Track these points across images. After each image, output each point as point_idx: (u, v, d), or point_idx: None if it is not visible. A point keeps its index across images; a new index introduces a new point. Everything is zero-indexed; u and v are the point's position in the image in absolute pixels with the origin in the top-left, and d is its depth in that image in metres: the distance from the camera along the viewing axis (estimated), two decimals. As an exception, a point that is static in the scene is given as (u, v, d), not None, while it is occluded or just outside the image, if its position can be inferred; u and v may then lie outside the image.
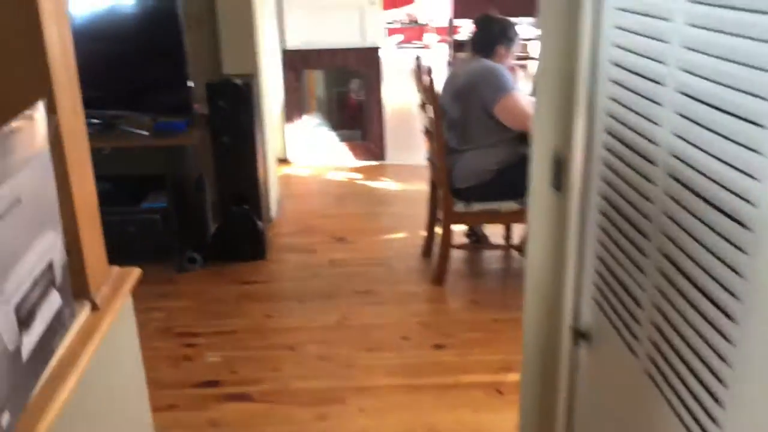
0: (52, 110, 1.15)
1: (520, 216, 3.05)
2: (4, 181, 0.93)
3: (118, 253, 3.29)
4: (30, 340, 1.01)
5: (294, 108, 4.78)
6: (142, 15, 3.05)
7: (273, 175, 3.96)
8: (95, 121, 3.15)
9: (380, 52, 4.74)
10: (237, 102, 3.10)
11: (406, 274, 3.23)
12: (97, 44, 3.12)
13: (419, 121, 5.51)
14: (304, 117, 4.83)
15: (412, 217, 3.83)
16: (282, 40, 4.66)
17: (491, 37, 2.91)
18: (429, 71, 2.80)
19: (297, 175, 4.63)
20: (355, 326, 2.81)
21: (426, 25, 9.61)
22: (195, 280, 3.18)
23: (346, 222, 3.81)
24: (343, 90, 4.88)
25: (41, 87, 1.14)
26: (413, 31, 9.73)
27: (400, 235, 3.65)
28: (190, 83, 2.99)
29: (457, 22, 8.05)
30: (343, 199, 4.18)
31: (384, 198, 4.20)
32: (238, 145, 3.18)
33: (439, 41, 9.61)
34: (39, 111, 1.06)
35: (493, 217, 3.09)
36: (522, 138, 2.94)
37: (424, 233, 3.46)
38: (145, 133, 3.05)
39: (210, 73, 3.42)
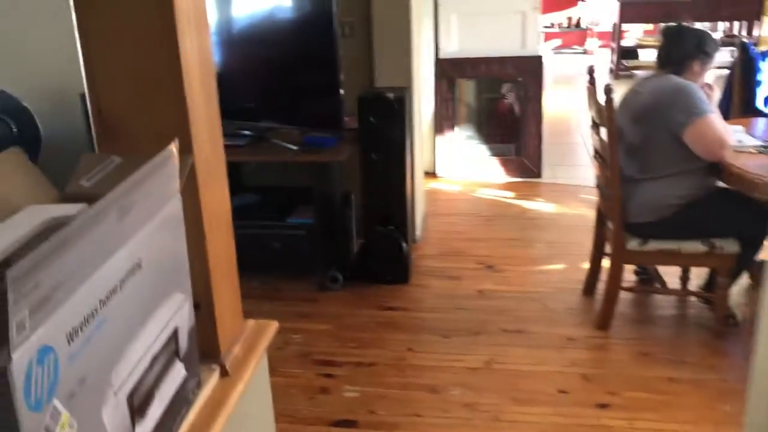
0: (187, 149, 0.99)
1: (706, 259, 2.61)
2: (121, 246, 0.76)
3: (261, 268, 3.22)
4: (145, 428, 0.84)
5: (445, 119, 4.55)
6: (298, 20, 2.96)
7: (420, 192, 3.75)
8: (247, 133, 3.11)
9: (542, 61, 4.39)
10: (388, 117, 2.92)
11: (565, 313, 2.89)
12: (250, 50, 3.08)
13: (579, 134, 5.05)
14: (456, 129, 4.59)
15: (572, 245, 3.46)
16: (436, 47, 4.45)
17: (685, 51, 2.49)
18: (609, 89, 2.44)
19: (444, 190, 4.39)
20: (504, 371, 2.52)
21: (588, 29, 9.01)
22: (336, 301, 3.04)
23: (495, 247, 3.52)
24: (494, 96, 4.57)
25: (176, 121, 0.98)
26: (573, 35, 9.17)
27: (558, 266, 3.30)
28: (342, 95, 2.85)
29: (624, 26, 7.44)
30: (493, 220, 3.88)
31: (539, 221, 3.85)
32: (388, 163, 3.00)
33: (601, 46, 8.98)
34: (171, 153, 0.89)
35: (672, 259, 2.67)
36: (712, 169, 2.50)
37: (585, 266, 3.09)
38: (294, 147, 2.95)
39: (362, 85, 3.27)
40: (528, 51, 4.41)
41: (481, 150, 4.60)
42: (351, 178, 3.19)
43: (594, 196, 4.10)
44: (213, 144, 1.08)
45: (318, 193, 3.01)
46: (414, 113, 3.38)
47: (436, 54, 4.46)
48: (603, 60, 8.32)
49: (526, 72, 4.40)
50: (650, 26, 8.41)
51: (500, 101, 4.54)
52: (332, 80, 2.84)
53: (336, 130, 2.91)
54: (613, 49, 7.60)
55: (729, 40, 6.69)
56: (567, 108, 6.32)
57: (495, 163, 4.55)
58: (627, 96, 2.66)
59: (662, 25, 2.66)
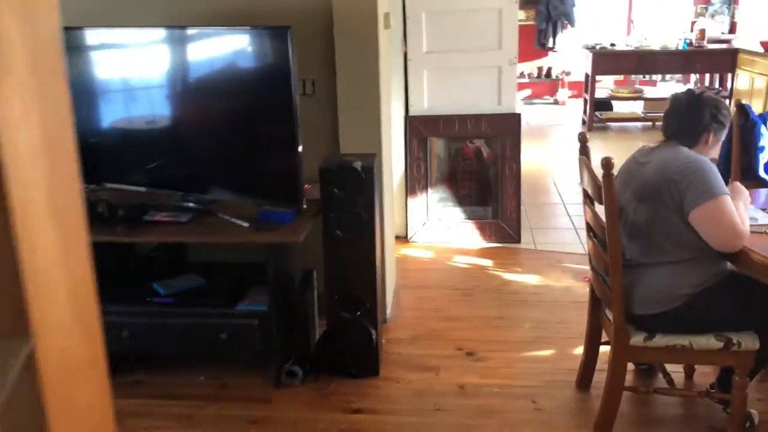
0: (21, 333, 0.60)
1: (721, 357, 2.26)
2: None
3: (206, 360, 2.74)
4: None
5: (416, 180, 4.21)
6: (250, 73, 2.59)
7: (391, 263, 3.37)
8: (191, 205, 2.70)
9: (519, 118, 4.09)
10: (356, 189, 2.55)
11: (559, 413, 2.50)
12: (195, 107, 2.70)
13: (556, 192, 4.72)
14: (428, 190, 4.24)
15: (560, 326, 3.10)
16: (406, 104, 4.14)
17: (702, 123, 2.18)
18: (608, 164, 2.11)
19: (417, 258, 4.02)
20: (494, 495, 2.11)
21: (559, 79, 8.88)
22: (294, 401, 2.61)
23: (476, 328, 3.14)
24: (469, 158, 4.25)
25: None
26: (543, 85, 9.03)
27: (546, 352, 2.92)
28: (301, 163, 2.47)
29: (597, 77, 7.28)
30: (472, 294, 3.50)
31: (522, 296, 3.48)
32: (354, 240, 2.61)
33: (572, 96, 8.85)
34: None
35: (683, 356, 2.32)
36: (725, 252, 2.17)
37: (577, 352, 2.73)
38: (245, 224, 2.55)
39: (325, 151, 2.91)
40: (504, 108, 4.12)
41: (456, 213, 4.25)
42: (312, 253, 2.80)
43: (578, 265, 3.83)
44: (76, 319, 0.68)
45: (273, 273, 2.60)
46: (384, 180, 3.02)
47: (406, 111, 4.14)
48: (575, 111, 8.15)
49: (503, 130, 4.10)
50: (621, 77, 8.31)
51: (465, 147, 4.20)
52: (290, 145, 2.47)
53: (294, 204, 2.53)
54: (585, 101, 7.42)
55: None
56: (540, 163, 6.06)
57: (471, 226, 4.20)
58: (629, 167, 2.34)
59: (674, 92, 2.34)
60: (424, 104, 4.16)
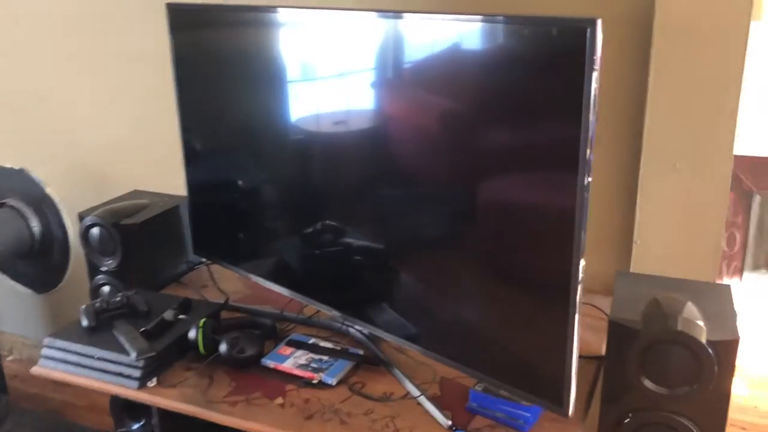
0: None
1: None
2: None
3: None
4: None
5: (723, 259, 2.62)
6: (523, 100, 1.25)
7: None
8: (357, 337, 1.48)
9: None
10: (686, 374, 1.13)
11: None
12: (423, 146, 1.43)
13: None
14: (741, 274, 2.63)
15: None
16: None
17: None
18: None
19: None
20: None
21: None
22: None
23: None
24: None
25: None
26: None
27: None
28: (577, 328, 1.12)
29: None
30: None
31: None
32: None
33: None
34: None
35: None
36: None
37: None
38: (442, 418, 1.27)
39: (604, 255, 1.53)
40: None
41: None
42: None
43: None
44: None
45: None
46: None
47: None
48: None
49: None
50: None
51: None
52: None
53: (552, 401, 1.17)
54: None
55: None
56: None
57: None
58: None
59: None
60: (755, 140, 2.53)
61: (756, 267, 2.64)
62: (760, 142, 2.50)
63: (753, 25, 1.45)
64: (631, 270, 1.61)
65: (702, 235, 1.53)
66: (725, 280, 2.63)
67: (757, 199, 2.60)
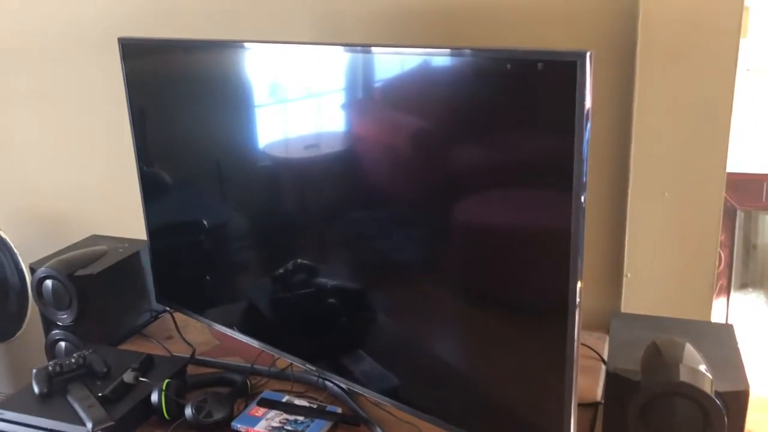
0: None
1: None
2: None
3: None
4: None
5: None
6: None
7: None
8: (330, 409, 1.37)
9: None
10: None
11: None
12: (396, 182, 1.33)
13: None
14: (728, 295, 2.57)
15: None
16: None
17: None
18: None
19: None
20: None
21: None
22: None
23: None
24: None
25: None
26: None
27: None
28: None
29: None
30: None
31: None
32: None
33: None
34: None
35: None
36: None
37: None
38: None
39: (596, 298, 1.45)
40: None
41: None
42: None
43: None
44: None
45: None
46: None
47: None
48: None
49: None
50: None
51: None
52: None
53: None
54: None
55: None
56: None
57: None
58: None
59: None
60: (738, 156, 2.48)
61: (743, 286, 2.58)
62: (742, 158, 2.45)
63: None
64: (623, 305, 1.52)
65: (695, 266, 1.46)
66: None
67: (740, 217, 2.55)
